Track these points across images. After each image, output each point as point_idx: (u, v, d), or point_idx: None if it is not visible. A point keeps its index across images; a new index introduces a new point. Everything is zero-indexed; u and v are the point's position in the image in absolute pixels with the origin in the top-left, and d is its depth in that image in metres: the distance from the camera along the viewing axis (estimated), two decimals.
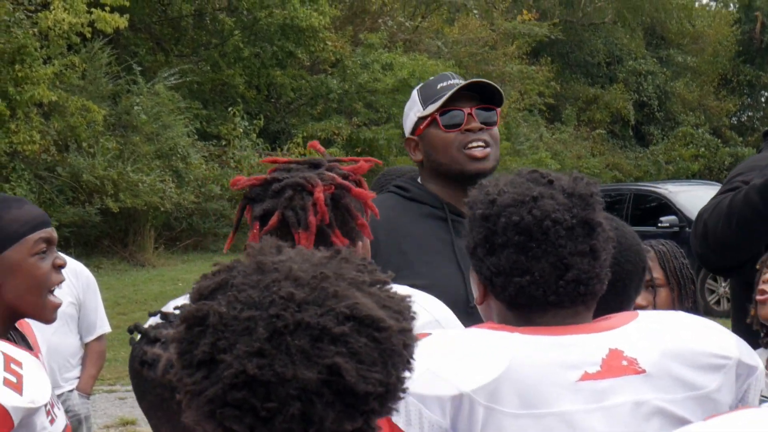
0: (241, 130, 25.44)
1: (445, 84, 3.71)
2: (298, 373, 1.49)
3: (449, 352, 2.17)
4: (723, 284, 15.66)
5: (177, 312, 2.11)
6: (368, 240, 2.67)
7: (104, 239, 21.59)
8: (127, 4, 21.20)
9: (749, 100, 53.49)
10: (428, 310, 2.69)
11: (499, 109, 3.67)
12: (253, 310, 1.52)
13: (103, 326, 6.63)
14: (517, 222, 2.22)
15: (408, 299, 1.62)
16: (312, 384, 1.49)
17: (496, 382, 2.10)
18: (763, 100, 55.42)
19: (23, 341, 3.12)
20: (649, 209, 18.82)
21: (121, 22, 20.71)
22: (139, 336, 2.13)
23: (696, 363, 2.25)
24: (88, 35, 20.99)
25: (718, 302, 16.60)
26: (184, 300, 2.56)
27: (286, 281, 1.54)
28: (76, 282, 6.33)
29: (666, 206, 18.41)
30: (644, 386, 2.20)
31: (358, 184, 2.62)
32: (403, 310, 1.59)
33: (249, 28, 26.98)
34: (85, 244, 20.81)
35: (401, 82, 27.64)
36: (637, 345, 2.24)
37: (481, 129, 3.58)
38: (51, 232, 3.05)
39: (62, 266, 3.06)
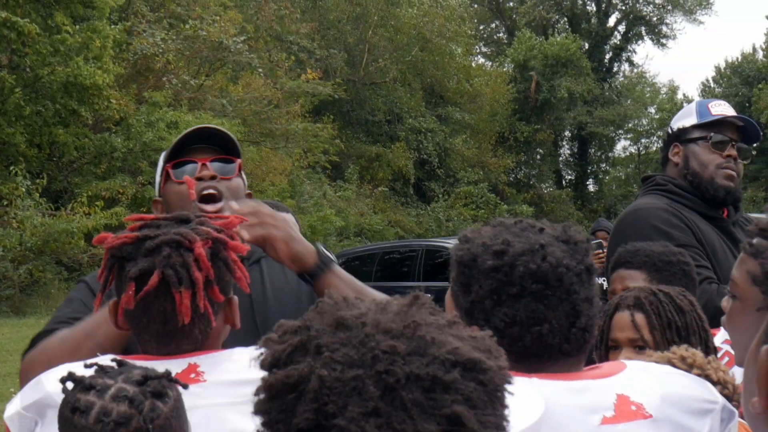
0: (23, 190, 24.82)
1: (184, 139, 3.35)
2: (419, 427, 1.41)
3: None
4: None
5: (113, 363, 2.10)
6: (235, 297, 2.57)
7: None
8: None
9: (525, 157, 55.09)
10: None
11: (239, 161, 3.35)
12: (356, 368, 1.43)
13: None
14: (534, 270, 2.21)
15: (487, 336, 1.57)
16: None
17: (537, 425, 2.07)
18: (538, 157, 57.18)
19: None
20: (440, 264, 18.97)
21: None
22: (71, 385, 2.08)
23: (690, 408, 2.30)
24: None
25: None
26: (53, 373, 2.47)
27: (379, 334, 1.47)
28: None
29: None
30: (652, 431, 2.24)
31: (231, 238, 2.52)
32: (491, 348, 1.54)
33: (30, 86, 26.43)
34: None
35: None
36: (639, 391, 2.27)
37: (213, 177, 3.25)
38: None
39: None
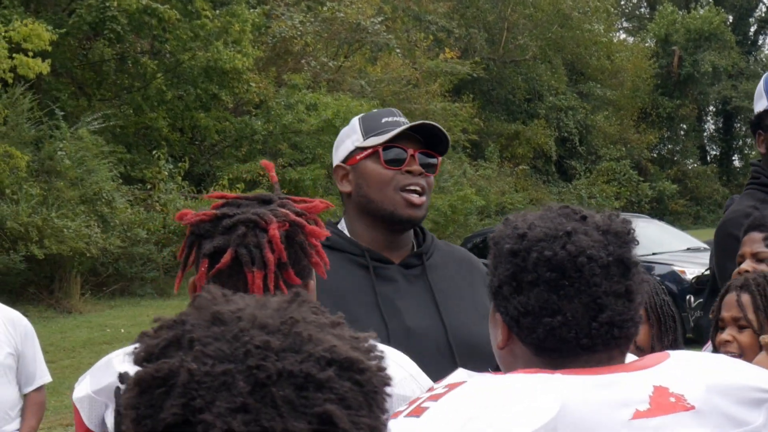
0: (166, 173, 25.27)
1: (390, 119, 3.45)
2: (288, 426, 1.35)
3: (494, 399, 1.99)
4: None
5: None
6: (314, 281, 2.52)
7: (30, 287, 21.26)
8: (49, 49, 21.04)
9: (668, 132, 54.27)
10: (401, 365, 2.55)
11: (441, 158, 3.48)
12: (227, 363, 1.37)
13: (43, 376, 6.46)
14: (549, 258, 2.08)
15: (370, 337, 1.50)
16: None
17: (553, 423, 1.94)
18: (682, 132, 56.25)
19: None
20: None
21: (44, 67, 20.51)
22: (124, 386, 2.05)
23: (741, 398, 2.14)
24: (10, 81, 20.78)
25: None
26: (123, 353, 2.42)
27: (254, 329, 1.41)
28: (14, 332, 6.16)
29: None
30: (695, 423, 2.09)
31: (314, 223, 2.47)
32: (371, 350, 1.47)
33: (172, 71, 26.87)
34: (10, 292, 20.37)
35: (326, 122, 27.66)
36: (680, 381, 2.12)
37: (421, 174, 3.37)
38: None
39: None
